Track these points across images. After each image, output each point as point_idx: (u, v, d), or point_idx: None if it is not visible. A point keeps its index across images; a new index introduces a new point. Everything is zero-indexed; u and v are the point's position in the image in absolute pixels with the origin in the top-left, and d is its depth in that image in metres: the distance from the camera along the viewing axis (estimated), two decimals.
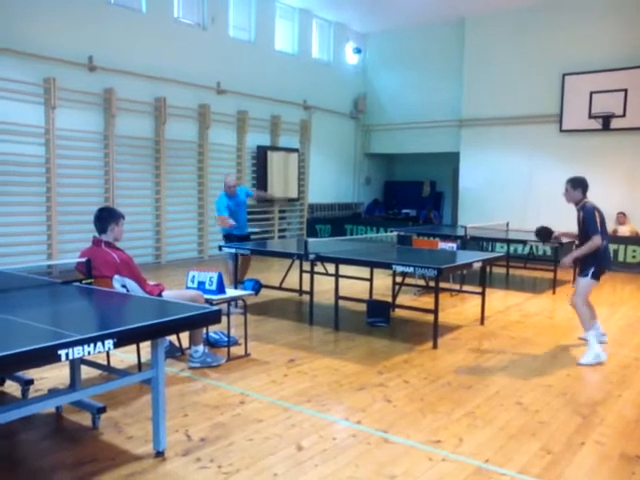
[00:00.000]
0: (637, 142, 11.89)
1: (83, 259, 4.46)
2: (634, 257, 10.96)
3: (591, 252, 5.27)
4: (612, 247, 11.07)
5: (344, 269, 6.63)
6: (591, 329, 5.34)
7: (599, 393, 4.57)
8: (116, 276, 4.42)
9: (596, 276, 5.36)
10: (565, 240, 6.80)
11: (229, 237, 7.85)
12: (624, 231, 11.61)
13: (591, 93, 12.10)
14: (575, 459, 3.42)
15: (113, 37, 9.90)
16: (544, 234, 6.07)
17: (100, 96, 9.84)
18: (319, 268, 7.31)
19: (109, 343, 2.83)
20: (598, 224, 5.26)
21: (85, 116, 9.66)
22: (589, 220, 5.30)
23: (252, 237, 8.57)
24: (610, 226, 11.79)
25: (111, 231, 4.57)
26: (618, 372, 5.07)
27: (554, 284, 8.82)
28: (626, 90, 11.76)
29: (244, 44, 12.55)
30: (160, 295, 4.52)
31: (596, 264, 5.33)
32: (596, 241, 5.22)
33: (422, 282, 8.24)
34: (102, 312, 3.82)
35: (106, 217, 4.61)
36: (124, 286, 4.44)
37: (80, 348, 2.72)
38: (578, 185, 5.48)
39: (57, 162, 9.22)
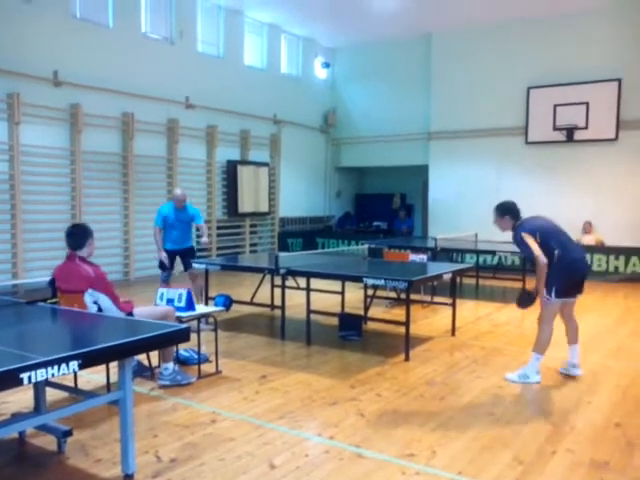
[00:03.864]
0: (600, 153, 12.19)
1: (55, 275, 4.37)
2: (599, 266, 11.18)
3: (547, 270, 4.79)
4: None
5: (316, 283, 6.62)
6: (540, 353, 4.98)
7: (569, 401, 4.62)
8: (89, 290, 4.33)
9: (560, 294, 4.88)
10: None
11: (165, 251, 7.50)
12: (589, 240, 11.85)
13: (555, 106, 12.39)
14: (546, 468, 3.44)
15: (79, 52, 9.79)
16: (525, 300, 5.16)
17: (66, 112, 9.69)
18: (290, 282, 7.29)
19: (74, 364, 2.76)
20: (531, 244, 4.80)
21: (51, 132, 9.50)
22: (521, 246, 4.94)
23: (217, 251, 8.25)
24: (576, 235, 12.05)
25: (88, 246, 4.52)
26: (588, 379, 5.14)
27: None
28: (587, 103, 12.08)
29: (213, 59, 12.53)
30: (131, 312, 4.45)
31: (557, 281, 4.85)
32: (540, 261, 4.75)
33: (393, 294, 8.27)
34: (67, 332, 3.73)
35: (82, 233, 4.56)
36: (95, 302, 4.35)
37: (43, 370, 2.65)
38: (505, 212, 5.07)
39: (22, 178, 9.03)
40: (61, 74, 9.51)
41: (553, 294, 4.89)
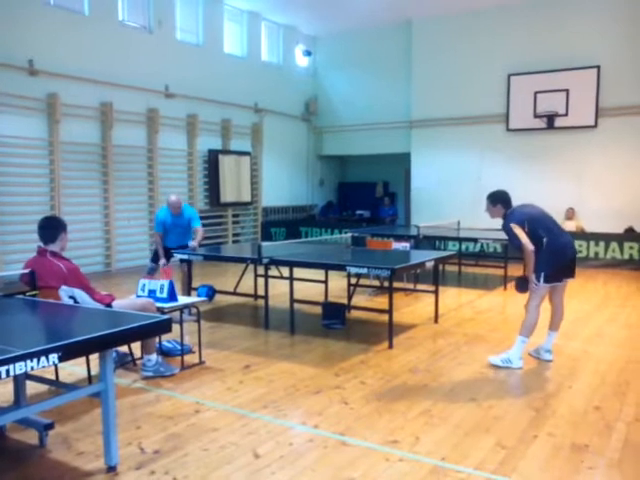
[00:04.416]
0: (580, 140, 12.29)
1: (27, 270, 4.30)
2: (580, 251, 11.30)
3: (535, 257, 4.91)
4: None
5: (299, 272, 6.60)
6: (526, 336, 5.06)
7: (551, 386, 4.67)
8: (63, 287, 4.27)
9: (549, 279, 4.99)
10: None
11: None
12: (570, 226, 11.97)
13: (535, 93, 12.45)
14: (528, 452, 3.48)
15: (54, 40, 9.61)
16: (522, 284, 5.22)
17: (43, 101, 9.53)
18: (274, 272, 7.27)
19: (54, 357, 2.73)
20: (519, 233, 4.93)
21: (27, 122, 9.33)
22: (509, 234, 5.06)
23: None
24: (558, 221, 12.17)
25: (60, 240, 4.43)
26: (568, 364, 5.20)
27: (505, 280, 9.01)
28: (568, 90, 12.15)
29: (192, 47, 12.38)
30: (110, 305, 4.40)
31: (545, 267, 4.96)
32: (527, 249, 4.88)
33: (377, 283, 8.29)
34: (47, 325, 3.68)
35: (55, 226, 4.47)
36: (72, 297, 4.29)
37: (22, 364, 2.61)
38: (497, 200, 5.21)
39: None
40: (37, 63, 9.33)
41: (542, 280, 4.99)
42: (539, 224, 5.06)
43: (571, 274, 5.18)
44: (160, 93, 11.49)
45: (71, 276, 4.31)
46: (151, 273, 7.41)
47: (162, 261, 7.31)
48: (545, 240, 4.98)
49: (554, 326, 5.33)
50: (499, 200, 5.21)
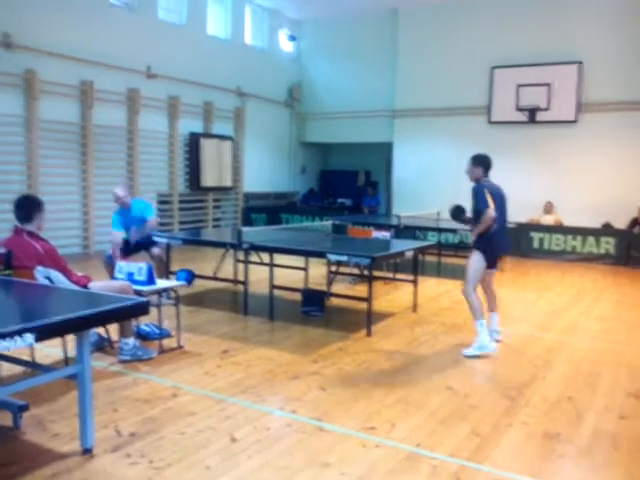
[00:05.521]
0: (561, 134, 12.41)
1: (3, 249, 4.22)
2: (557, 245, 11.46)
3: (486, 229, 5.13)
4: (537, 236, 11.58)
5: (279, 258, 6.59)
6: (481, 318, 5.20)
7: (525, 376, 4.74)
8: (39, 267, 4.20)
9: (484, 257, 5.23)
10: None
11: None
12: (549, 220, 12.13)
13: (518, 86, 12.52)
14: (502, 440, 3.54)
15: (32, 14, 9.37)
16: (457, 213, 5.63)
17: (20, 77, 9.31)
18: (254, 257, 7.25)
19: (29, 337, 2.69)
20: (489, 200, 5.09)
21: (3, 98, 9.12)
22: (478, 195, 5.18)
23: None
24: (537, 214, 12.33)
25: (36, 220, 4.37)
26: (543, 355, 5.29)
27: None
28: (550, 85, 12.24)
29: (174, 27, 12.19)
30: (87, 286, 4.35)
31: (484, 246, 5.22)
32: (489, 214, 5.04)
33: (357, 271, 8.31)
34: (22, 305, 3.63)
35: (31, 205, 4.40)
36: (48, 278, 4.23)
37: None
38: (479, 163, 5.36)
39: None
40: (13, 36, 9.10)
41: (479, 252, 5.27)
42: (501, 207, 5.26)
43: (494, 265, 5.55)
44: (141, 73, 11.31)
45: (47, 257, 4.26)
46: (111, 262, 6.69)
47: (117, 259, 6.43)
48: (494, 226, 5.18)
49: (492, 307, 5.63)
50: (482, 163, 5.38)
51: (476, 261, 5.28)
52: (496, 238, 5.25)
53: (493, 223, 5.13)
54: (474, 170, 5.38)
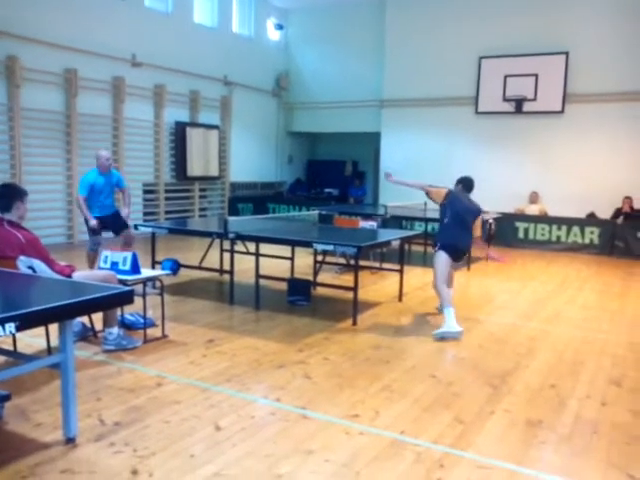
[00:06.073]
0: (547, 125, 12.47)
1: None
2: (542, 235, 11.55)
3: (441, 226, 5.86)
4: (523, 225, 11.66)
5: (265, 248, 6.58)
6: (448, 306, 5.47)
7: (509, 364, 4.78)
8: (21, 257, 4.16)
9: (444, 249, 5.70)
10: (395, 180, 7.14)
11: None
12: (534, 210, 12.21)
13: (505, 76, 12.56)
14: (485, 427, 3.57)
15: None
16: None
17: (1, 64, 9.17)
18: (240, 247, 7.22)
19: (10, 327, 2.66)
20: (436, 187, 6.01)
21: None
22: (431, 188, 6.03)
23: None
24: (522, 204, 12.41)
25: (16, 209, 4.31)
26: (526, 344, 5.33)
27: (469, 261, 9.15)
28: (537, 75, 12.29)
29: (160, 15, 12.06)
30: (70, 276, 4.31)
31: (443, 240, 5.76)
32: (416, 183, 6.52)
33: (343, 260, 8.32)
34: (3, 294, 3.58)
35: (11, 194, 4.33)
36: (30, 267, 4.19)
37: None
38: (459, 181, 6.00)
39: None
40: None
41: (439, 246, 5.75)
42: (457, 210, 5.70)
43: (457, 260, 5.99)
44: (127, 61, 11.19)
45: (29, 246, 4.21)
46: (95, 250, 6.99)
47: (92, 222, 6.85)
48: (446, 221, 5.74)
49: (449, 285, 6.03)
50: (462, 181, 5.98)
51: (441, 261, 5.74)
52: (449, 236, 5.76)
53: (425, 188, 6.10)
54: (455, 187, 6.00)
